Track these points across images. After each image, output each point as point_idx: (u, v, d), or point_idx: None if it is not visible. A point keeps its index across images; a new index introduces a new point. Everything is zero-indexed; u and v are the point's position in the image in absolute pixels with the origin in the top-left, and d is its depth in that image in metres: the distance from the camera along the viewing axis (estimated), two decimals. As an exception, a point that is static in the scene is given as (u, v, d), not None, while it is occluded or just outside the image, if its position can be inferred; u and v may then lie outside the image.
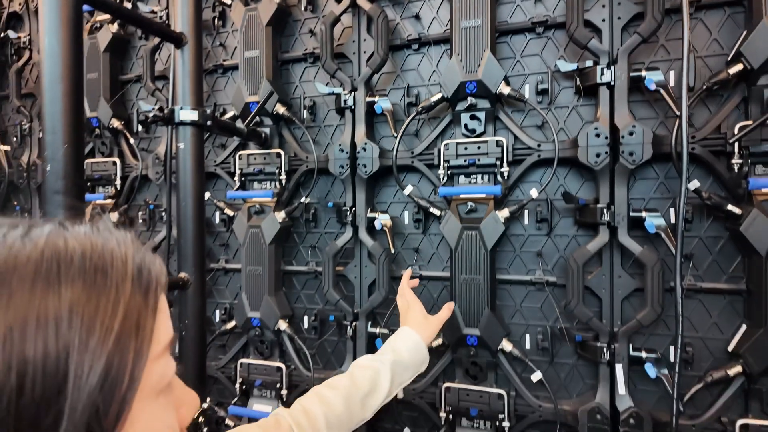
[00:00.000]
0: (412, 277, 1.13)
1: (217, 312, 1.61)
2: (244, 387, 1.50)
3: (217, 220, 1.61)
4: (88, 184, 1.69)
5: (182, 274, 1.17)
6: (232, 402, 1.47)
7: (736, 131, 1.03)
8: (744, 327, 1.06)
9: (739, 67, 1.02)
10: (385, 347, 0.96)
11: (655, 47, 1.13)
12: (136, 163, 1.67)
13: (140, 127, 1.69)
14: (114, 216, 1.65)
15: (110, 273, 0.30)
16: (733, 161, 1.04)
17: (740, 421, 1.03)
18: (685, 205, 1.07)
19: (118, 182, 1.68)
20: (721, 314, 1.10)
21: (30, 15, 1.86)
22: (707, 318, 1.11)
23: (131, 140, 1.68)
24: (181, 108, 1.16)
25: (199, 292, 1.19)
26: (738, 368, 1.04)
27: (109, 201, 1.68)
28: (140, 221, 1.67)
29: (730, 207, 1.03)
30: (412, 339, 0.97)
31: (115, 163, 1.68)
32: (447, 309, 1.08)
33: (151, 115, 1.15)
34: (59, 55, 0.86)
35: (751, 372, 1.02)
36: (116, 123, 1.67)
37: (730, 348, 1.07)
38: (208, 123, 1.19)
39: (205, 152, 1.62)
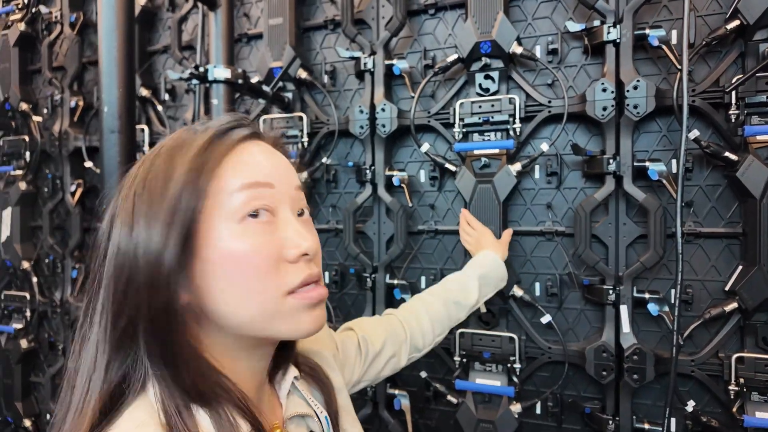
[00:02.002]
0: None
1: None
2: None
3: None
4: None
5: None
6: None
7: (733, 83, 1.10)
8: (740, 267, 1.14)
9: (736, 23, 1.09)
10: (469, 266, 1.11)
11: (659, 7, 1.21)
12: (164, 130, 1.76)
13: (167, 96, 1.78)
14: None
15: (213, 131, 0.48)
16: (731, 112, 1.11)
17: (735, 355, 1.11)
18: (686, 154, 1.16)
19: (146, 148, 1.77)
20: (719, 258, 1.18)
21: (60, -9, 1.94)
22: (706, 261, 1.19)
23: (159, 107, 1.77)
24: (215, 66, 1.25)
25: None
26: (734, 304, 1.11)
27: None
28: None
29: (727, 154, 1.10)
30: (492, 257, 1.12)
31: (143, 130, 1.77)
32: (507, 233, 1.25)
33: (187, 73, 1.23)
34: (114, 9, 0.95)
35: (746, 307, 1.09)
36: (144, 92, 1.76)
37: (726, 288, 1.14)
38: (239, 81, 1.28)
39: (230, 118, 1.71)
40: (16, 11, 2.02)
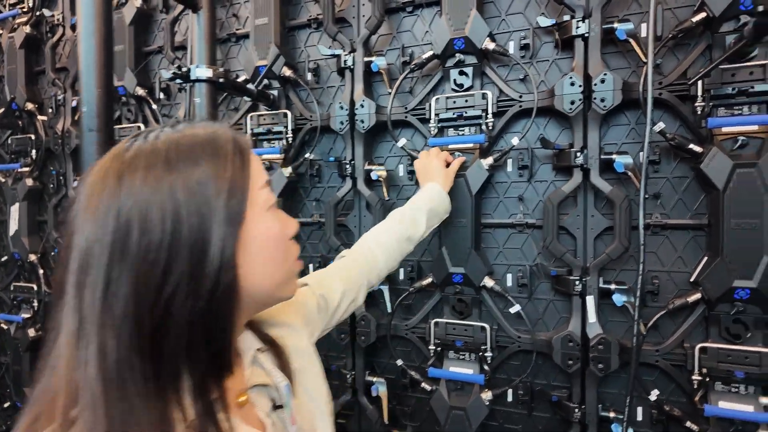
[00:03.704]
0: None
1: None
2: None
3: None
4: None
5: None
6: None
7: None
8: (705, 259, 1.15)
9: (702, 15, 1.10)
10: (417, 198, 1.18)
11: (629, 1, 1.22)
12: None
13: (162, 95, 1.85)
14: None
15: (221, 148, 0.53)
16: (697, 104, 1.12)
17: (699, 345, 1.13)
18: (653, 146, 1.17)
19: None
20: (685, 249, 1.19)
21: (63, -6, 2.03)
22: (673, 253, 1.20)
23: (154, 106, 1.84)
24: (197, 66, 1.31)
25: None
26: (697, 295, 1.13)
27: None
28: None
29: (691, 146, 1.11)
30: (437, 191, 1.19)
31: (139, 127, 1.84)
32: (456, 162, 1.30)
33: (170, 73, 1.29)
34: (93, 13, 1.01)
35: (709, 298, 1.11)
36: (140, 91, 1.83)
37: (692, 279, 1.16)
38: (221, 80, 1.33)
39: (220, 116, 1.77)
40: (22, 14, 2.11)
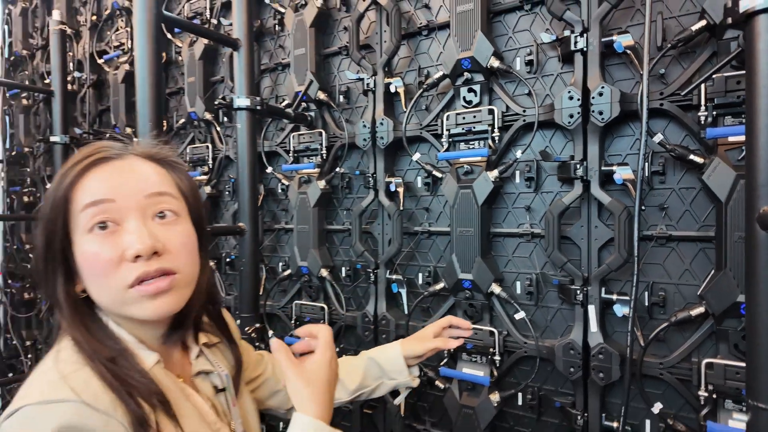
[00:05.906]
0: None
1: (280, 263, 1.99)
2: (297, 323, 1.86)
3: (279, 190, 1.97)
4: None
5: (240, 224, 1.55)
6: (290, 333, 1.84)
7: (703, 87, 1.08)
8: (713, 272, 1.11)
9: (702, 23, 1.07)
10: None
11: (632, 12, 1.21)
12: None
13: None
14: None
15: (69, 166, 0.62)
16: (699, 114, 1.09)
17: (705, 361, 1.10)
18: (658, 157, 1.17)
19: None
20: (694, 261, 1.16)
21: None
22: (681, 265, 1.17)
23: (218, 128, 2.13)
24: (238, 97, 1.53)
25: (253, 239, 1.56)
26: (700, 309, 1.10)
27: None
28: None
29: (692, 157, 1.09)
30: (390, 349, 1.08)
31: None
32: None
33: (216, 102, 1.53)
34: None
35: (713, 312, 1.08)
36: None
37: (699, 292, 1.13)
38: (258, 108, 1.54)
39: (270, 135, 2.01)
40: (122, 55, 2.55)
